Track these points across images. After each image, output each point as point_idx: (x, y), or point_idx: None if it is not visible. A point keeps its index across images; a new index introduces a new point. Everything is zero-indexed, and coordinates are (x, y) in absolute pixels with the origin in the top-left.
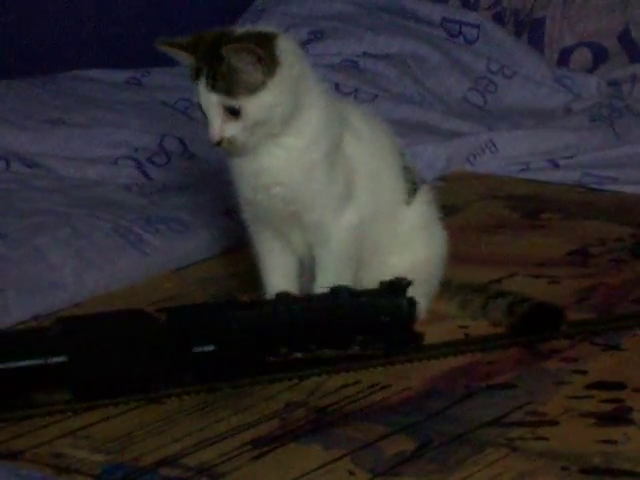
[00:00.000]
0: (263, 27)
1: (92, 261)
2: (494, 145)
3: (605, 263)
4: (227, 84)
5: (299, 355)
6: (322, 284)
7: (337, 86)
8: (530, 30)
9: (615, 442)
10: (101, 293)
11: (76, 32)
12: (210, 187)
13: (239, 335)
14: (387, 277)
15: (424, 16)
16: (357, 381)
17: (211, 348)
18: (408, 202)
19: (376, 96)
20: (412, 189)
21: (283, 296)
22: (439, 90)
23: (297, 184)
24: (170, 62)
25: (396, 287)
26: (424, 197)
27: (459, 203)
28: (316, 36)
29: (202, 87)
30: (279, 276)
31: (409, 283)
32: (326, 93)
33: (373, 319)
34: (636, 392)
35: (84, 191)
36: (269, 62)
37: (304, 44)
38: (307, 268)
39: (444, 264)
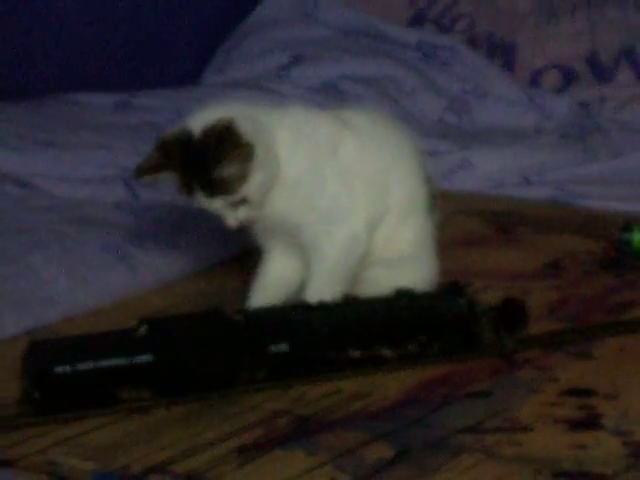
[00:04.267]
0: (212, 108)
1: (83, 277)
2: (469, 163)
3: (576, 275)
4: (223, 188)
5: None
6: (311, 295)
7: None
8: (502, 53)
9: (586, 447)
10: (92, 308)
11: (65, 56)
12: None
13: (311, 335)
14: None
15: (400, 39)
16: (338, 390)
17: (286, 348)
18: (430, 211)
19: None
20: (431, 198)
21: (350, 299)
22: (415, 110)
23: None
24: (157, 84)
25: (456, 289)
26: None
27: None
28: (297, 60)
29: (201, 198)
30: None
31: (468, 285)
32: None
33: (434, 320)
34: (606, 399)
35: (75, 210)
36: (246, 151)
37: (285, 67)
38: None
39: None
